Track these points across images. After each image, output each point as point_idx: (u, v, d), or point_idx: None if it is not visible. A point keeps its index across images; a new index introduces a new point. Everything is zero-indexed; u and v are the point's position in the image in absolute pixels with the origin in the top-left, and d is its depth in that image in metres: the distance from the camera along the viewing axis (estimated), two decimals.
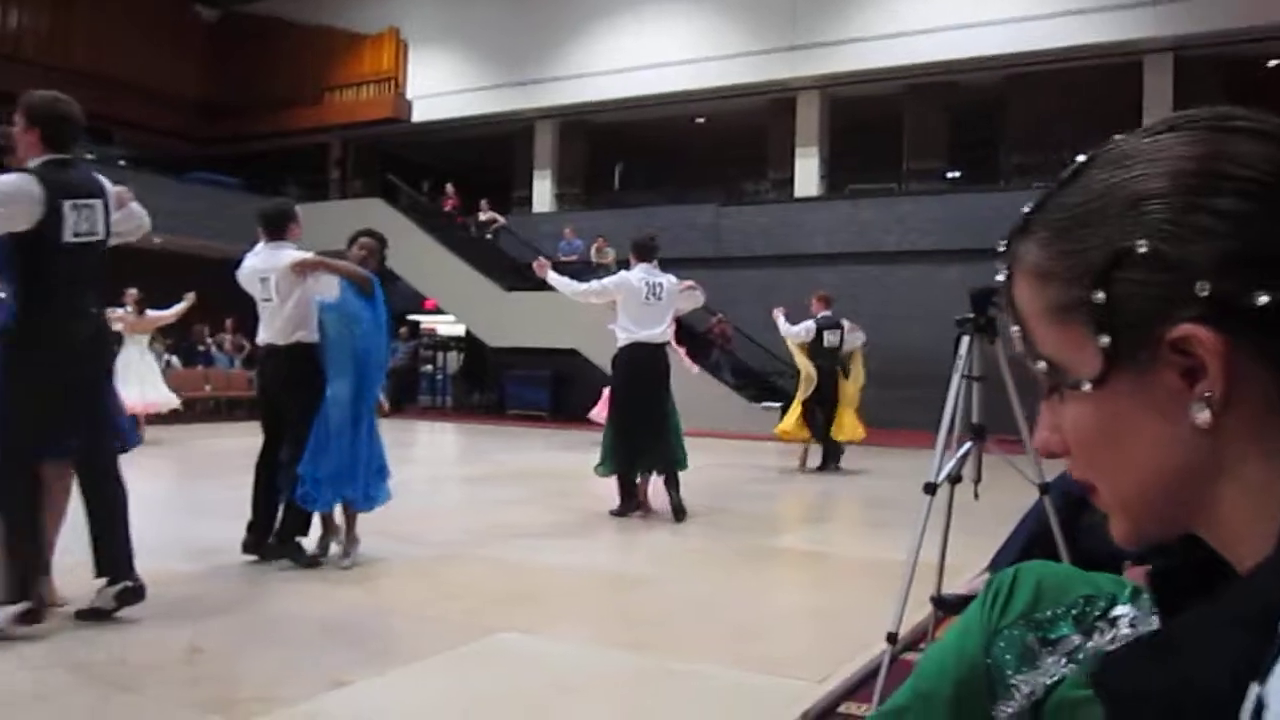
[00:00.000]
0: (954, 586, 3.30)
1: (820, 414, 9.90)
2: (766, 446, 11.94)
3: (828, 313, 10.02)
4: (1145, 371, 0.57)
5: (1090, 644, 1.09)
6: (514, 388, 18.80)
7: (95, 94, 21.33)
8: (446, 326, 22.19)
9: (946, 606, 3.13)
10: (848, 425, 10.11)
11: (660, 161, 22.75)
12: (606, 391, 7.57)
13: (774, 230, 17.95)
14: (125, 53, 21.93)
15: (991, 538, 3.34)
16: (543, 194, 21.03)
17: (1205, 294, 0.54)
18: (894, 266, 16.77)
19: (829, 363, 9.90)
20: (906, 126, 18.17)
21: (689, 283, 7.06)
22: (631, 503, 6.78)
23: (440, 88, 21.26)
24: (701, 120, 20.63)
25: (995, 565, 3.36)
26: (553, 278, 6.86)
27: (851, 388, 10.23)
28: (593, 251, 17.47)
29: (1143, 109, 15.99)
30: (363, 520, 5.16)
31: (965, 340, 3.02)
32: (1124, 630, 1.10)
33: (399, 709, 3.08)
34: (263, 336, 5.11)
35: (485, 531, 6.11)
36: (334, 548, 5.11)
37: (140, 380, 10.82)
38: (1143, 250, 0.56)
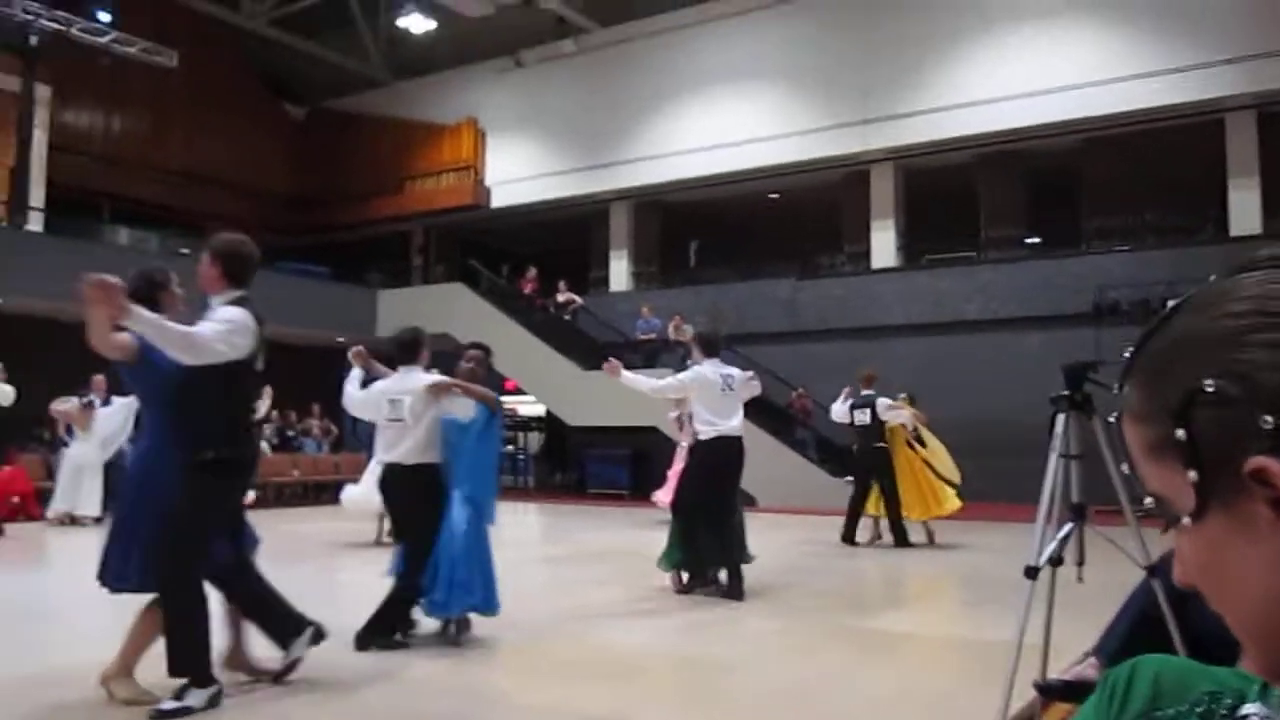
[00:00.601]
0: (1057, 670, 3.18)
1: (858, 490, 10.01)
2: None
3: (869, 391, 10.10)
4: (1236, 503, 0.59)
5: None
6: (594, 466, 18.83)
7: (190, 191, 22.34)
8: (527, 407, 22.41)
9: (1052, 693, 3.01)
10: (920, 501, 9.83)
11: (735, 238, 22.89)
12: (673, 475, 7.60)
13: (851, 303, 17.87)
14: (218, 151, 22.93)
15: (1096, 617, 3.21)
16: (619, 273, 21.26)
17: (1269, 427, 0.56)
18: (975, 336, 16.53)
19: (863, 441, 10.03)
20: (982, 194, 18.04)
21: (750, 373, 7.29)
22: (696, 581, 6.89)
23: (517, 173, 21.76)
24: (776, 195, 20.75)
25: (1100, 649, 3.23)
26: (627, 377, 6.92)
27: (911, 464, 9.95)
28: (670, 329, 17.50)
29: (1226, 167, 15.68)
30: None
31: (1061, 418, 2.95)
32: None
33: None
34: (386, 456, 5.34)
35: (571, 614, 6.08)
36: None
37: None
38: (1209, 388, 0.59)
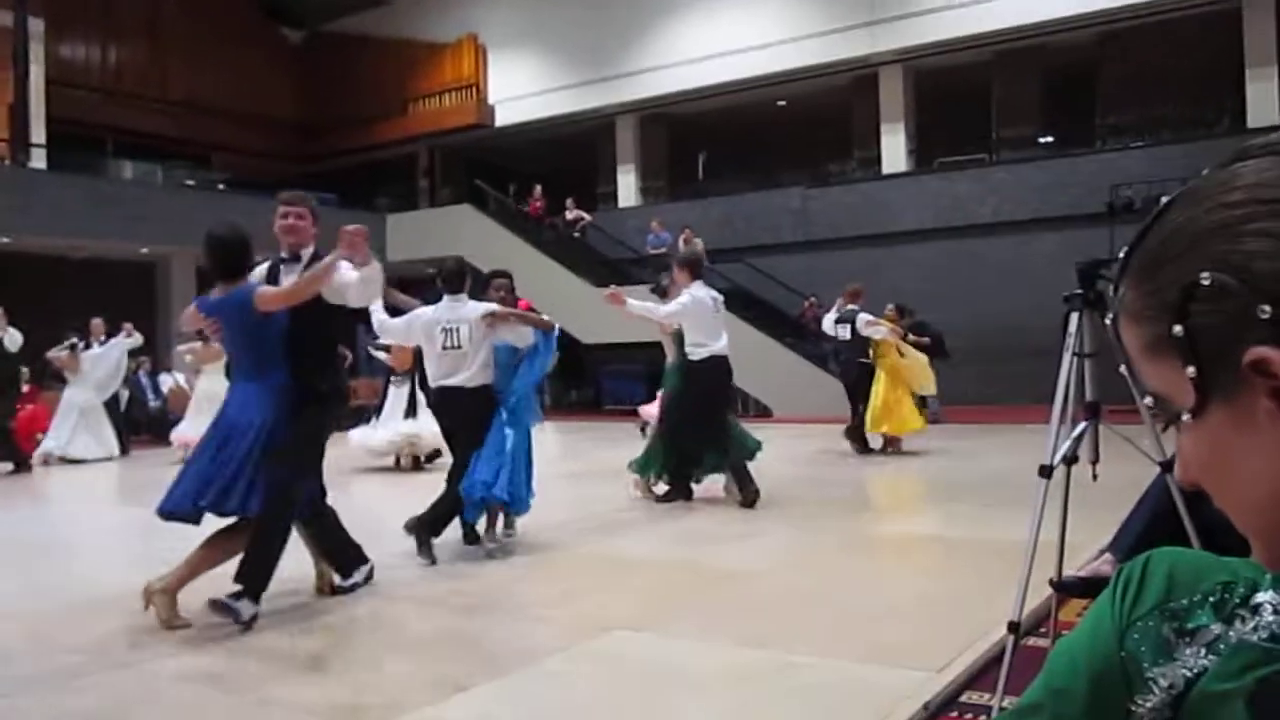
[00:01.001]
0: (1073, 567, 3.21)
1: (855, 405, 10.07)
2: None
3: (853, 306, 10.08)
4: (1237, 397, 0.58)
5: (1232, 633, 1.05)
6: (610, 383, 18.91)
7: (191, 122, 22.15)
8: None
9: (1068, 590, 3.05)
10: (885, 419, 9.78)
11: (744, 148, 22.59)
12: (661, 394, 7.73)
13: (863, 210, 17.69)
14: (218, 80, 22.67)
15: (1111, 514, 3.24)
16: (628, 189, 21.08)
17: (1267, 316, 0.56)
18: (990, 239, 16.38)
19: (845, 355, 10.16)
20: (995, 94, 17.72)
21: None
22: (679, 492, 7.12)
23: (520, 90, 21.47)
24: (783, 103, 20.42)
25: (1116, 545, 3.26)
26: (633, 306, 7.00)
27: (895, 378, 9.90)
28: (680, 243, 17.45)
29: (1244, 58, 15.33)
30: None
31: (1075, 317, 2.92)
32: (1268, 617, 1.06)
33: (520, 712, 3.12)
34: (446, 380, 5.52)
35: (592, 529, 6.17)
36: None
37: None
38: (1206, 282, 0.59)
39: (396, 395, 10.21)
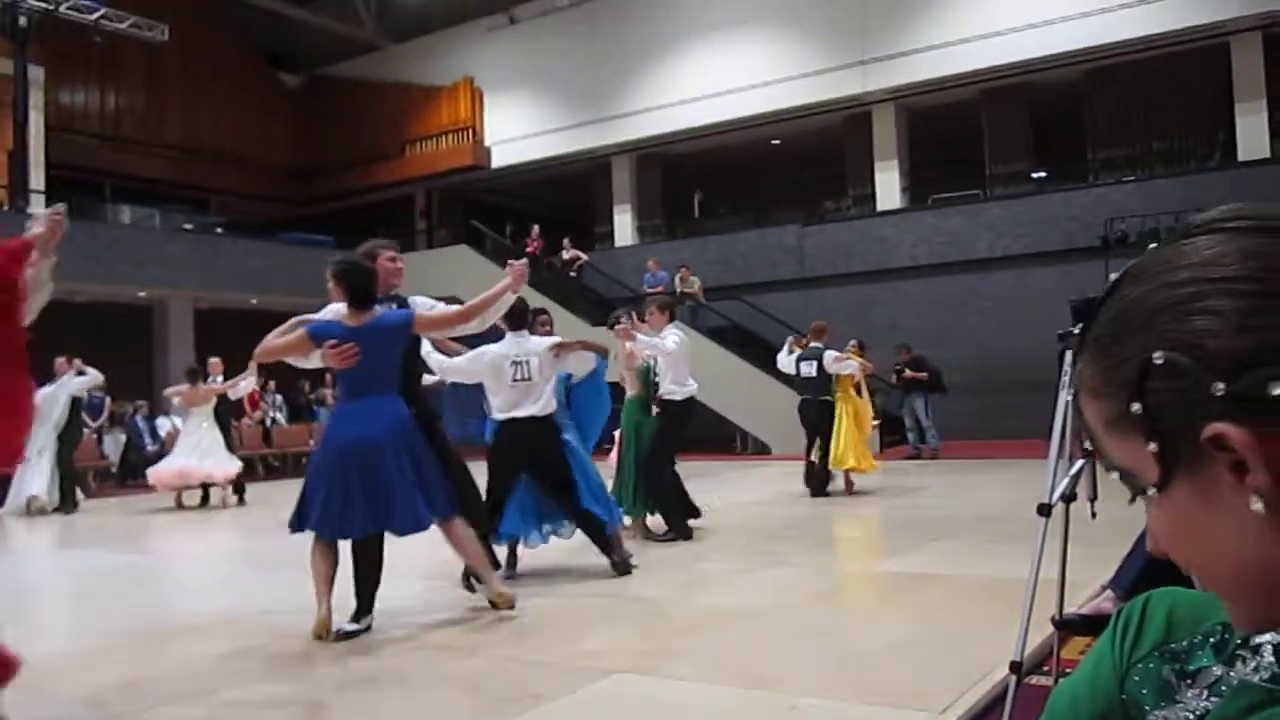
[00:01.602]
0: (1074, 604, 3.19)
1: (811, 443, 9.92)
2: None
3: (817, 344, 10.02)
4: (1199, 471, 0.60)
5: (1233, 674, 1.04)
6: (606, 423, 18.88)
7: (189, 166, 22.30)
8: None
9: (1070, 627, 3.04)
10: (851, 455, 9.75)
11: (739, 187, 22.74)
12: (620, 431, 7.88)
13: (858, 247, 17.77)
14: (216, 124, 22.85)
15: (1112, 550, 3.24)
16: (624, 228, 21.18)
17: (1222, 394, 0.57)
18: (986, 274, 16.46)
19: (807, 393, 9.94)
20: (986, 131, 17.87)
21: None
22: (682, 532, 7.28)
23: (516, 132, 21.63)
24: (777, 142, 20.58)
25: (1117, 581, 3.25)
26: (643, 341, 7.23)
27: (857, 415, 9.94)
28: (677, 281, 17.51)
29: (1233, 91, 15.48)
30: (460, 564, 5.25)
31: (1069, 354, 2.93)
32: (1268, 658, 1.05)
33: None
34: (515, 411, 5.77)
35: (588, 569, 6.13)
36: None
37: (204, 452, 11.13)
38: (1159, 361, 0.60)
39: None
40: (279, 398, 17.83)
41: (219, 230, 21.09)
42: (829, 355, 9.86)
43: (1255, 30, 15.15)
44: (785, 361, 10.40)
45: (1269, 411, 0.56)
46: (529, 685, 3.83)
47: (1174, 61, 15.92)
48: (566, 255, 19.64)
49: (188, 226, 20.62)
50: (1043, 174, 18.35)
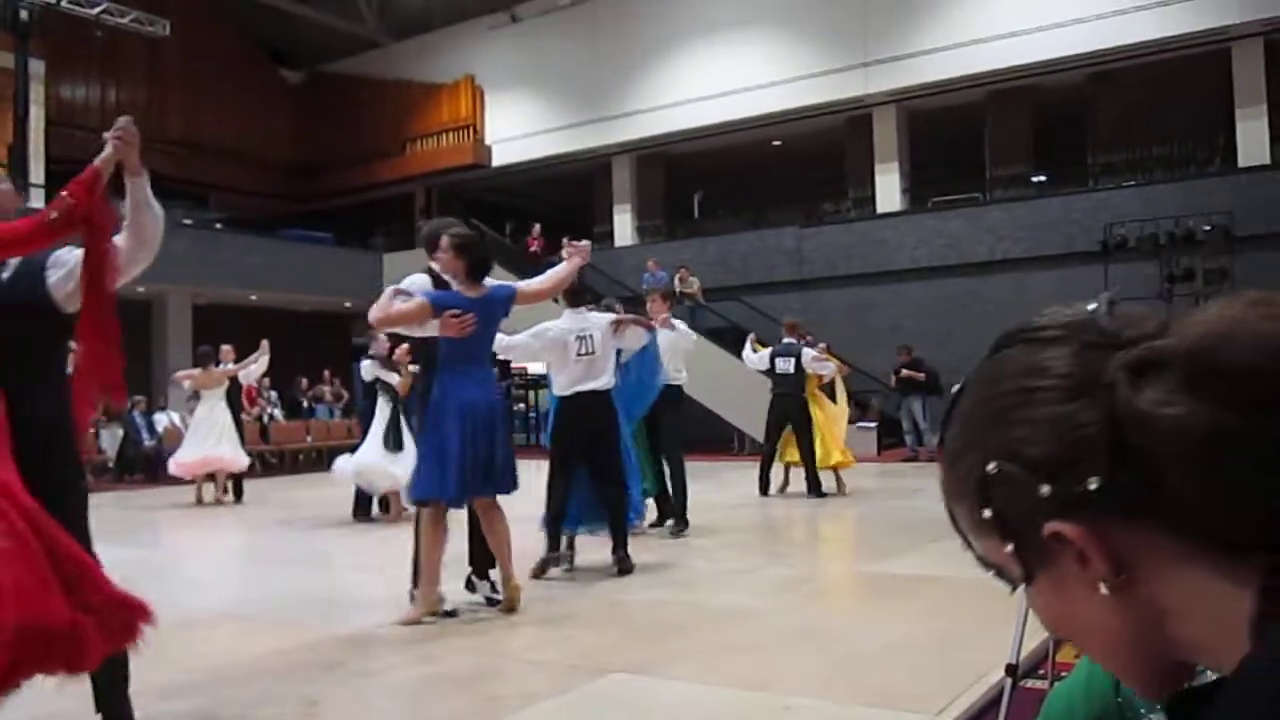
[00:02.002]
0: None
1: (773, 440, 9.94)
2: (864, 468, 11.75)
3: (790, 340, 10.02)
4: (1053, 564, 0.64)
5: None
6: None
7: (190, 161, 22.26)
8: (537, 365, 22.44)
9: None
10: (836, 451, 9.85)
11: (739, 188, 22.73)
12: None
13: (858, 249, 17.77)
14: (217, 120, 22.83)
15: None
16: (624, 228, 21.17)
17: (1046, 494, 0.61)
18: (985, 277, 16.46)
19: (783, 389, 9.86)
20: (988, 134, 17.87)
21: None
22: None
23: (517, 130, 21.62)
24: (778, 143, 20.57)
25: None
26: (668, 336, 7.55)
27: (826, 413, 9.99)
28: (676, 281, 17.50)
29: (1234, 97, 15.49)
30: (465, 566, 5.24)
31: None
32: None
33: None
34: (582, 385, 5.92)
35: (585, 569, 6.13)
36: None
37: (219, 436, 10.97)
38: (992, 470, 0.64)
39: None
40: (275, 394, 17.82)
41: (219, 226, 21.07)
42: (808, 353, 9.86)
43: (1257, 36, 15.15)
44: (755, 359, 10.25)
45: (1094, 504, 0.60)
46: (525, 684, 3.82)
47: (1176, 66, 15.92)
48: (565, 254, 19.61)
49: (187, 222, 20.57)
50: (1043, 178, 18.35)
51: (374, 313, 4.67)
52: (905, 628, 4.66)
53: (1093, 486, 0.60)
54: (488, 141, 22.20)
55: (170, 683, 3.88)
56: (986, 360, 0.69)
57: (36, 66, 17.65)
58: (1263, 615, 0.57)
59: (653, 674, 3.83)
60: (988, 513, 0.65)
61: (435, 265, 5.00)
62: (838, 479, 9.87)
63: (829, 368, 10.00)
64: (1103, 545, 0.61)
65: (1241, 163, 15.38)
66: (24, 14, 16.53)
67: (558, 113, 21.10)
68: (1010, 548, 0.65)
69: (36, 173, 17.56)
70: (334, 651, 4.32)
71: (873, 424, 14.82)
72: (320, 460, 16.96)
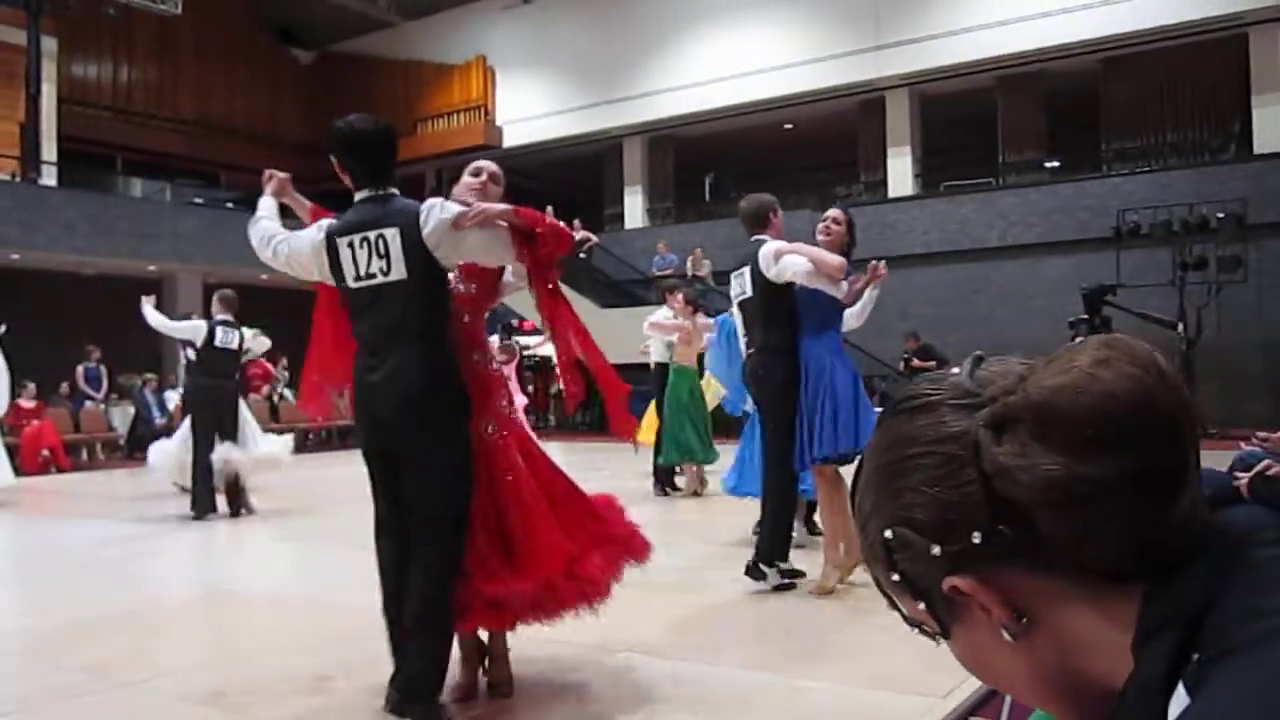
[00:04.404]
0: None
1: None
2: None
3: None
4: (963, 617, 0.68)
5: None
6: None
7: (201, 140, 22.29)
8: (547, 347, 22.44)
9: None
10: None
11: (750, 170, 22.62)
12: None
13: (868, 233, 17.51)
14: (229, 99, 22.84)
15: None
16: (634, 210, 21.14)
17: (938, 553, 0.65)
18: (997, 263, 16.41)
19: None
20: (1000, 119, 17.77)
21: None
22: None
23: (529, 112, 21.58)
24: (790, 126, 20.50)
25: None
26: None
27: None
28: (689, 264, 17.49)
29: (1250, 83, 15.37)
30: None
31: (1058, 351, 2.92)
32: None
33: None
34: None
35: None
36: None
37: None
38: (889, 536, 0.68)
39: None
40: (288, 374, 17.86)
41: (230, 205, 21.09)
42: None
43: (1275, 21, 15.01)
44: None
45: (981, 558, 0.64)
46: (532, 664, 3.84)
47: (1191, 52, 15.80)
48: (576, 236, 19.58)
49: (198, 201, 20.64)
50: (1056, 163, 18.26)
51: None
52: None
53: (976, 540, 0.64)
54: (499, 122, 22.17)
55: (174, 660, 3.92)
56: (877, 430, 0.72)
57: (49, 44, 17.67)
58: (1142, 638, 0.61)
59: (663, 655, 3.85)
60: (895, 575, 0.69)
61: (768, 236, 5.07)
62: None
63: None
64: (998, 595, 0.65)
65: (1257, 149, 15.27)
66: None
67: (569, 94, 21.05)
68: (922, 606, 0.69)
69: (48, 151, 17.60)
70: (343, 627, 4.35)
71: (879, 410, 14.85)
72: (331, 440, 17.04)
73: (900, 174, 18.21)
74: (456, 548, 2.99)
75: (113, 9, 17.85)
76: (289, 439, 9.74)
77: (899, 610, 0.74)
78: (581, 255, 19.52)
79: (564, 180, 23.35)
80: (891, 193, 18.22)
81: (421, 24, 23.23)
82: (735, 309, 5.34)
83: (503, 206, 3.13)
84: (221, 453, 8.01)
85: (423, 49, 23.15)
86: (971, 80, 17.57)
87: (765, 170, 22.24)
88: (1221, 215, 13.87)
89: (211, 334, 8.22)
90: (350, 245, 3.08)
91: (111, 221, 16.70)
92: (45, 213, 15.83)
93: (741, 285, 5.10)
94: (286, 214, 3.63)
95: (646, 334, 9.10)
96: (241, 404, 8.62)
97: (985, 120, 17.84)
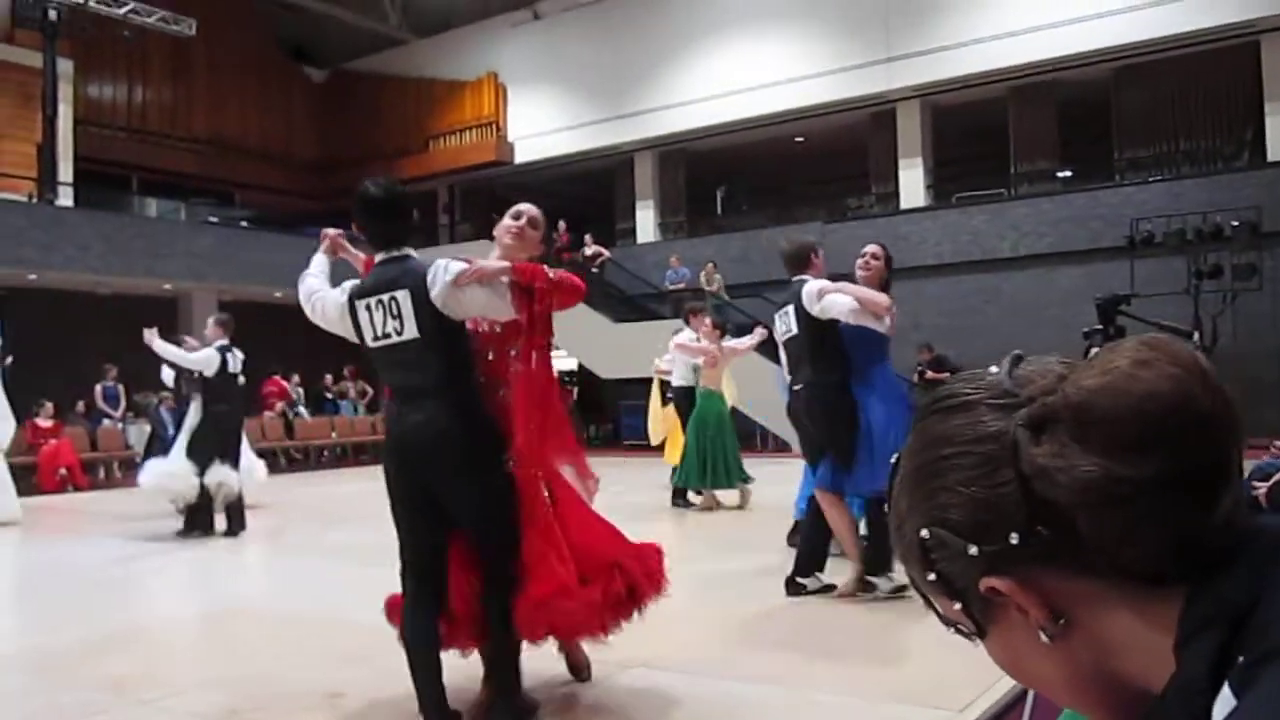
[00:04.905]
0: None
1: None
2: None
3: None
4: (1000, 617, 0.68)
5: None
6: (628, 418, 18.88)
7: (215, 159, 22.43)
8: (559, 361, 22.46)
9: None
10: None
11: (762, 183, 22.68)
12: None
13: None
14: (242, 118, 23.00)
15: None
16: (646, 224, 21.16)
17: (975, 554, 0.65)
18: (1009, 273, 16.35)
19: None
20: (1012, 129, 17.73)
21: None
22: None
23: (540, 127, 21.65)
24: (801, 139, 20.50)
25: None
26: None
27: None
28: (701, 278, 17.48)
29: (1263, 91, 15.30)
30: None
31: (1094, 352, 2.91)
32: None
33: None
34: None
35: None
36: None
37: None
38: (925, 537, 0.68)
39: None
40: (302, 391, 17.93)
41: (244, 224, 21.22)
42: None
43: None
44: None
45: (1019, 559, 0.64)
46: (543, 677, 3.83)
47: (1203, 60, 15.75)
48: (588, 251, 19.64)
49: (213, 219, 20.75)
50: (1068, 173, 18.20)
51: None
52: (929, 625, 4.63)
53: (1014, 541, 0.64)
54: (510, 138, 22.24)
55: (189, 676, 3.92)
56: (914, 430, 0.72)
57: (65, 66, 17.82)
58: (1183, 638, 0.61)
59: (673, 668, 3.83)
60: (932, 575, 0.69)
61: (809, 276, 5.21)
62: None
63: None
64: (1036, 596, 0.65)
65: (1270, 157, 15.19)
66: (53, 13, 16.71)
67: (580, 109, 21.11)
68: (958, 606, 0.69)
69: (65, 171, 17.74)
70: (349, 643, 4.34)
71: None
72: (345, 456, 17.08)
73: (912, 185, 18.18)
74: (515, 562, 3.22)
75: (128, 31, 18.01)
76: (261, 462, 9.77)
77: (935, 610, 0.73)
78: (594, 270, 19.62)
79: (576, 195, 23.40)
80: (903, 204, 18.19)
81: (433, 42, 23.36)
82: (781, 347, 5.50)
83: (501, 264, 3.29)
84: (218, 476, 8.02)
85: (434, 66, 23.26)
86: (983, 91, 17.55)
87: (776, 183, 22.28)
88: (1236, 223, 13.78)
89: (224, 362, 8.22)
90: (368, 308, 3.30)
91: (127, 241, 16.81)
92: (62, 233, 15.94)
93: (786, 324, 5.29)
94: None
95: (667, 356, 9.40)
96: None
97: (997, 130, 17.81)
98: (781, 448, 15.72)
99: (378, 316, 3.27)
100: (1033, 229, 16.31)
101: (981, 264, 16.63)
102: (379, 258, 3.42)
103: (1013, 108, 17.64)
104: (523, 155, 22.08)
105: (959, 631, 0.72)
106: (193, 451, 8.16)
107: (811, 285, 5.08)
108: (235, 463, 8.24)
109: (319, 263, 3.76)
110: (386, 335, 3.25)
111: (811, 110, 18.73)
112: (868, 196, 19.68)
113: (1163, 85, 16.32)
